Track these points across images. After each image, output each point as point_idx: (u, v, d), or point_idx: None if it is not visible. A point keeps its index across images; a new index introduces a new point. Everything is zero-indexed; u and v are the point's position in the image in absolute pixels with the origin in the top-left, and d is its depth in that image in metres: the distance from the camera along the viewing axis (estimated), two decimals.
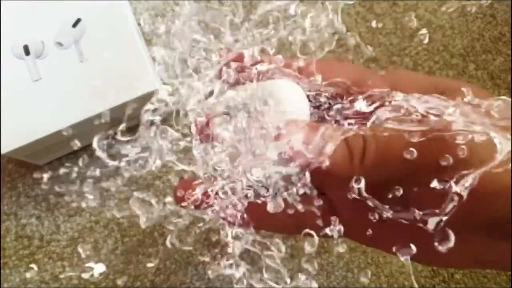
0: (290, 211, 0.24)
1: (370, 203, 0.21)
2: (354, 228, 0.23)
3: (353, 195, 0.21)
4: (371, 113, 0.24)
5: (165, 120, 0.41)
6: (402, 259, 0.22)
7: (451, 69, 0.41)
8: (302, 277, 0.37)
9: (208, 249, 0.39)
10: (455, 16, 0.42)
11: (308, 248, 0.25)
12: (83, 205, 0.39)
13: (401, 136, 0.20)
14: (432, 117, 0.20)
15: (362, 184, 0.20)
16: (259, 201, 0.25)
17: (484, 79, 0.41)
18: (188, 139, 0.29)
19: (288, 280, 0.39)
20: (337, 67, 0.26)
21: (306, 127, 0.22)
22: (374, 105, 0.24)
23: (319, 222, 0.24)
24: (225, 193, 0.25)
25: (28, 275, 0.38)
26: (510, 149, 0.18)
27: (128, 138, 0.33)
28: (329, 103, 0.27)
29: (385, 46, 0.41)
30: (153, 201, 0.39)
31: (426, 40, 0.41)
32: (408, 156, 0.19)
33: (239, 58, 0.26)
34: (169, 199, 0.35)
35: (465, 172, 0.18)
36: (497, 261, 0.21)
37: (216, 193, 0.25)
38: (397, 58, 0.41)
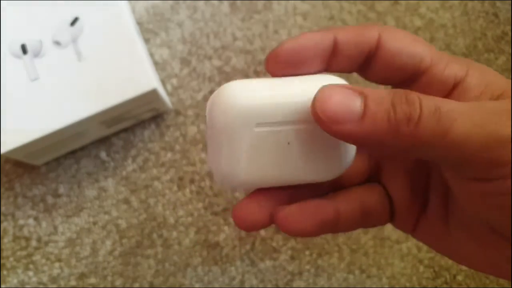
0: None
1: None
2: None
3: None
4: None
5: (163, 120, 0.40)
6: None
7: None
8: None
9: (208, 251, 0.38)
10: (457, 15, 0.41)
11: None
12: (81, 205, 0.39)
13: None
14: None
15: None
16: None
17: None
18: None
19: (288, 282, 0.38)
20: (412, 36, 0.21)
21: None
22: None
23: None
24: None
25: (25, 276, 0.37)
26: None
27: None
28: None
29: None
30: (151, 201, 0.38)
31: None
32: None
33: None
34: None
35: None
36: None
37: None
38: None
